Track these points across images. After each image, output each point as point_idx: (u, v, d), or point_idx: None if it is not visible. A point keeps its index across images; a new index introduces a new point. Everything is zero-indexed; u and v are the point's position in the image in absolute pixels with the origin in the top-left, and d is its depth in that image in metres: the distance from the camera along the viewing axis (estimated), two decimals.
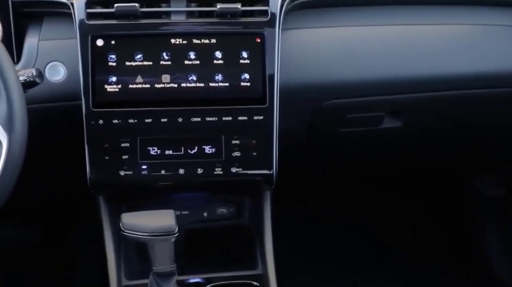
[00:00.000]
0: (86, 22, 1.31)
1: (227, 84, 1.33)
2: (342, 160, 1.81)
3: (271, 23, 1.34)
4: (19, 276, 2.07)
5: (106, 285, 1.42)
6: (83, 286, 2.08)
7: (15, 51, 1.36)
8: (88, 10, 1.31)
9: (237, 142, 1.35)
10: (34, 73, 1.20)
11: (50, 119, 1.34)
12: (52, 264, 2.10)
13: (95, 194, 1.42)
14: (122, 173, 1.33)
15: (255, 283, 1.41)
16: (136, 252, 1.48)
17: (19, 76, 1.12)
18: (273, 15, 1.34)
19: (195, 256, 1.48)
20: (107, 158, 1.33)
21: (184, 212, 1.48)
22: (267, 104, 1.34)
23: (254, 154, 1.35)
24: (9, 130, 1.06)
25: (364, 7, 1.51)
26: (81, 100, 1.32)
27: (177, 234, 1.18)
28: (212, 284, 1.41)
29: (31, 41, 1.37)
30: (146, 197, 1.46)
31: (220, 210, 1.54)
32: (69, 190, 1.79)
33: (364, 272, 2.13)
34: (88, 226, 2.06)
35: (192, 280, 1.44)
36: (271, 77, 1.34)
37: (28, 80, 1.19)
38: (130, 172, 1.33)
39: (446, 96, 1.51)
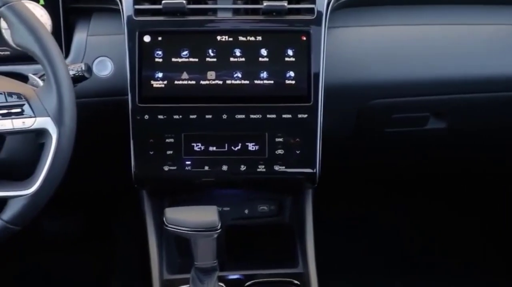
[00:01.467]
0: (134, 18, 1.32)
1: (272, 82, 1.33)
2: (384, 160, 1.80)
3: (317, 21, 1.33)
4: (60, 267, 2.11)
5: (148, 279, 1.44)
6: (123, 279, 2.11)
7: (64, 46, 1.39)
8: (136, 6, 1.32)
9: (281, 140, 1.35)
10: (83, 68, 1.22)
11: (97, 114, 1.36)
12: (93, 257, 2.14)
13: (139, 189, 1.43)
14: (166, 168, 1.34)
15: (295, 282, 1.41)
16: (177, 247, 1.49)
17: (69, 71, 1.14)
18: (320, 13, 1.33)
19: (235, 252, 1.48)
20: (151, 153, 1.34)
21: (225, 209, 1.48)
22: (311, 103, 1.34)
23: (298, 152, 1.35)
24: (59, 123, 1.08)
25: (410, 6, 1.49)
26: (127, 95, 1.33)
27: (219, 230, 1.19)
28: (252, 281, 1.41)
29: (79, 37, 1.39)
30: (189, 192, 1.48)
31: (261, 207, 1.54)
32: (112, 184, 1.81)
33: (402, 274, 2.11)
34: (129, 220, 2.11)
35: (231, 277, 1.45)
36: (316, 75, 1.33)
37: (77, 74, 1.22)
38: (174, 168, 1.34)
39: (495, 98, 1.49)
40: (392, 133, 1.58)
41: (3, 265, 2.05)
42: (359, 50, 1.43)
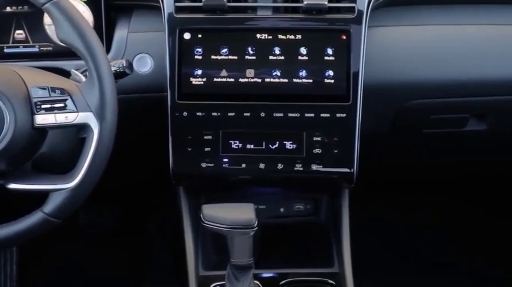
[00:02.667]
0: (175, 15, 1.33)
1: (310, 81, 1.33)
2: (420, 160, 1.78)
3: (358, 20, 1.33)
4: (94, 260, 2.14)
5: (182, 274, 1.45)
6: (156, 274, 2.13)
7: (105, 43, 1.41)
8: (177, 4, 1.33)
9: (319, 139, 1.34)
10: (125, 64, 1.24)
11: (136, 110, 1.37)
12: (127, 251, 2.16)
13: (176, 185, 1.44)
14: (203, 165, 1.35)
15: (330, 281, 1.41)
16: (212, 243, 1.50)
17: (111, 67, 1.15)
18: (360, 12, 1.33)
19: (270, 250, 1.48)
20: (189, 149, 1.35)
21: (261, 207, 1.48)
22: (350, 102, 1.33)
23: (335, 151, 1.34)
24: (101, 118, 1.09)
25: (451, 5, 1.47)
26: (166, 92, 1.35)
27: (256, 228, 1.19)
28: (287, 280, 1.41)
29: (120, 33, 1.40)
30: (225, 189, 1.48)
31: (297, 206, 1.54)
32: (149, 180, 1.83)
33: (436, 277, 2.09)
34: (164, 216, 2.12)
35: (266, 275, 1.45)
36: (356, 74, 1.33)
37: (118, 70, 1.23)
38: (212, 165, 1.35)
39: None
40: (429, 134, 1.56)
41: (39, 256, 2.09)
42: (399, 49, 1.41)
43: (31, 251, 2.07)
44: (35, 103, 1.10)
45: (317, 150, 1.35)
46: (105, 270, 2.13)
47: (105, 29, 1.41)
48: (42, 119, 1.10)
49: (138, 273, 2.14)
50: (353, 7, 1.33)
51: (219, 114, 1.34)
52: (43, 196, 1.13)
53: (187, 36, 1.33)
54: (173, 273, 2.05)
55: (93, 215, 2.10)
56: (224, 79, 1.33)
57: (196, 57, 1.33)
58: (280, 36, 1.33)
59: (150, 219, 2.20)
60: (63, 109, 1.09)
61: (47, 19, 1.40)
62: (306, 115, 1.34)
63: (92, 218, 2.12)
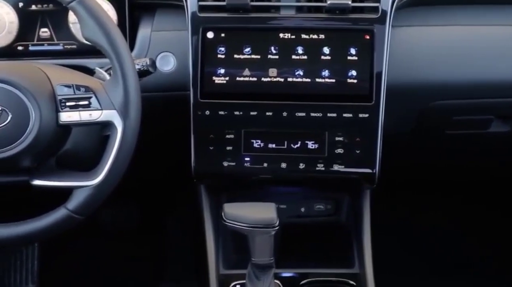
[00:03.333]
0: (198, 14, 1.33)
1: (333, 80, 1.33)
2: (442, 161, 1.77)
3: (382, 20, 1.32)
4: (114, 257, 2.16)
5: (201, 273, 1.45)
6: (175, 271, 2.14)
7: (128, 41, 1.41)
8: (200, 3, 1.34)
9: (341, 139, 1.34)
10: (148, 63, 1.25)
11: (158, 108, 1.38)
12: (147, 248, 2.18)
13: (197, 183, 1.45)
14: (225, 164, 1.36)
15: (351, 282, 1.41)
16: (233, 242, 1.50)
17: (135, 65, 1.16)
18: (384, 12, 1.32)
19: (291, 250, 1.48)
20: (211, 148, 1.35)
21: (282, 206, 1.48)
22: (373, 102, 1.33)
23: (357, 152, 1.34)
24: (124, 116, 1.10)
25: (476, 6, 1.46)
26: (189, 90, 1.35)
27: (277, 227, 1.19)
28: (307, 280, 1.41)
29: (144, 32, 1.41)
30: (246, 188, 1.49)
31: (317, 206, 1.54)
32: (169, 178, 1.84)
33: (458, 278, 2.08)
34: (184, 214, 2.13)
35: (286, 274, 1.45)
36: (379, 75, 1.32)
37: (142, 69, 1.24)
38: (233, 164, 1.35)
39: None
40: (452, 135, 1.55)
41: (60, 252, 2.11)
42: (423, 50, 1.40)
43: (52, 246, 2.10)
44: (60, 100, 1.11)
45: (339, 150, 1.34)
46: (125, 267, 2.15)
47: (128, 28, 1.42)
48: (66, 116, 1.11)
49: (157, 270, 2.16)
50: (377, 7, 1.32)
51: (241, 113, 1.34)
52: (66, 192, 1.14)
53: (210, 35, 1.34)
54: (193, 271, 2.06)
55: (113, 212, 2.11)
56: (246, 78, 1.33)
57: (219, 56, 1.34)
58: (303, 36, 1.33)
59: (169, 216, 2.21)
60: (87, 106, 1.10)
61: (71, 18, 1.41)
62: (329, 115, 1.33)
63: (113, 215, 2.14)
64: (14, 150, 1.08)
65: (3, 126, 1.07)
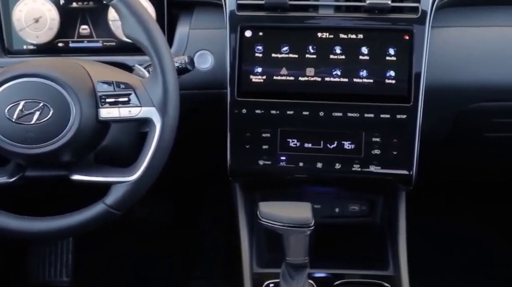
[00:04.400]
0: (236, 13, 1.34)
1: (371, 81, 1.32)
2: (479, 164, 1.74)
3: (421, 21, 1.31)
4: (147, 253, 2.18)
5: (237, 271, 1.45)
6: (206, 268, 2.15)
7: (166, 39, 1.42)
8: (239, 1, 1.34)
9: (378, 140, 1.33)
10: (187, 61, 1.26)
11: (195, 106, 1.39)
12: (179, 245, 2.19)
13: (232, 181, 1.45)
14: (261, 162, 1.36)
15: (385, 284, 1.40)
16: (266, 241, 1.50)
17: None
18: (424, 12, 1.31)
19: (324, 250, 1.48)
20: (247, 147, 1.36)
21: (316, 206, 1.47)
22: (411, 103, 1.31)
23: (394, 153, 1.33)
24: (163, 113, 1.11)
25: None
26: (226, 89, 1.36)
27: (313, 227, 1.18)
28: (341, 281, 1.41)
29: (182, 30, 1.42)
30: (280, 187, 1.48)
31: (352, 207, 1.53)
32: (203, 175, 1.85)
33: (491, 282, 2.04)
34: (216, 211, 2.14)
35: (318, 275, 1.44)
36: (418, 75, 1.31)
37: (181, 66, 1.25)
38: (269, 163, 1.36)
39: None
40: (490, 138, 1.53)
41: (94, 247, 2.13)
42: (463, 51, 1.39)
43: (86, 241, 2.13)
44: (100, 96, 1.12)
45: (376, 151, 1.33)
46: (156, 263, 2.16)
47: (167, 26, 1.43)
48: (106, 112, 1.12)
49: (188, 268, 2.17)
50: (417, 7, 1.31)
51: (277, 112, 1.34)
52: (102, 188, 1.15)
53: (248, 33, 1.34)
54: (224, 268, 2.06)
55: (147, 208, 2.13)
56: (284, 77, 1.33)
57: (257, 54, 1.34)
58: (342, 35, 1.32)
59: (202, 214, 2.22)
60: (127, 103, 1.11)
61: (111, 15, 1.43)
62: (366, 115, 1.33)
63: (146, 212, 2.15)
64: (55, 145, 1.09)
65: (45, 121, 1.08)
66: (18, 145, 1.09)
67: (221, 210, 2.08)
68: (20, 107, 1.08)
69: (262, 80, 1.34)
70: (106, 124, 1.17)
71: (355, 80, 1.32)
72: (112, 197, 1.13)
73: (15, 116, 1.08)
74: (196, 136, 1.49)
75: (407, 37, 1.31)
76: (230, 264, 1.88)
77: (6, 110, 1.08)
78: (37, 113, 1.08)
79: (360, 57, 1.32)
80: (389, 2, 1.30)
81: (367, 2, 1.30)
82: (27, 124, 1.08)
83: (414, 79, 1.31)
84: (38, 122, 1.08)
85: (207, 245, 2.18)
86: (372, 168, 1.34)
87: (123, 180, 1.12)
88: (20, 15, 1.43)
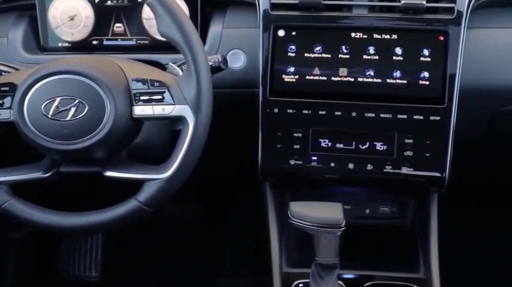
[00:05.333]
0: (270, 12, 1.34)
1: (405, 82, 1.31)
2: None
3: (457, 21, 1.29)
4: (174, 251, 2.19)
5: (266, 270, 1.45)
6: (233, 268, 2.15)
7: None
8: (272, 1, 1.34)
9: (411, 141, 1.32)
10: (220, 59, 1.26)
11: (227, 104, 1.39)
12: (208, 242, 2.20)
13: (263, 181, 1.45)
14: (292, 162, 1.36)
15: None
16: (295, 240, 1.50)
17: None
18: (459, 13, 1.30)
19: (354, 251, 1.47)
20: (279, 146, 1.36)
21: (346, 207, 1.46)
22: (445, 105, 1.30)
23: (427, 155, 1.32)
24: (196, 111, 1.11)
25: None
26: (258, 88, 1.36)
27: (344, 228, 1.18)
28: (371, 282, 1.40)
29: (215, 29, 1.42)
30: (310, 187, 1.48)
31: (382, 208, 1.52)
32: (233, 174, 1.85)
33: None
34: (245, 210, 2.14)
35: (347, 276, 1.43)
36: (452, 77, 1.29)
37: (214, 65, 1.25)
38: (300, 162, 1.35)
39: None
40: None
41: (123, 243, 2.15)
42: (498, 52, 1.37)
43: (115, 237, 2.15)
44: (134, 94, 1.13)
45: (408, 153, 1.32)
46: (184, 261, 2.18)
47: (200, 24, 1.44)
48: (140, 110, 1.13)
49: (216, 266, 2.17)
50: (452, 8, 1.30)
51: (309, 112, 1.34)
52: (135, 185, 1.16)
53: (281, 33, 1.34)
54: (252, 267, 2.07)
55: (176, 205, 2.14)
56: (316, 77, 1.33)
57: (289, 54, 1.34)
58: (375, 36, 1.31)
59: (231, 213, 2.22)
60: (160, 101, 1.12)
61: (145, 13, 1.44)
62: (399, 116, 1.32)
63: (176, 209, 2.17)
64: (89, 142, 1.10)
65: (80, 117, 1.10)
66: (54, 141, 1.11)
67: (250, 208, 2.09)
68: (56, 103, 1.10)
69: (294, 80, 1.34)
70: (140, 121, 1.18)
71: (388, 80, 1.31)
72: (144, 194, 1.14)
73: (51, 112, 1.10)
74: (227, 135, 1.49)
75: (442, 38, 1.29)
76: (258, 263, 1.88)
77: (42, 107, 1.10)
78: (73, 110, 1.10)
79: (394, 57, 1.31)
80: (424, 2, 1.29)
81: (402, 2, 1.29)
82: (62, 120, 1.10)
83: (449, 80, 1.29)
84: (73, 118, 1.10)
85: (236, 243, 2.18)
86: (404, 170, 1.33)
87: (156, 177, 1.13)
88: (55, 13, 1.45)
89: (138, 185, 1.16)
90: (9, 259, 2.04)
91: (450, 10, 1.30)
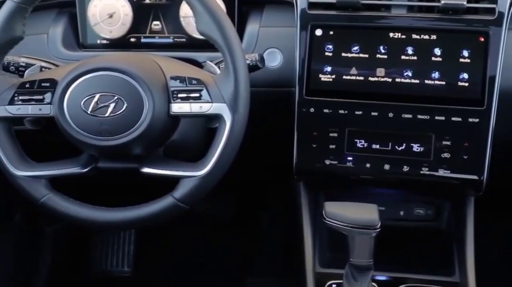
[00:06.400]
0: (307, 11, 1.34)
1: (443, 83, 1.29)
2: None
3: (498, 22, 1.28)
4: (205, 249, 2.20)
5: (298, 270, 1.45)
6: (264, 267, 2.15)
7: None
8: (310, 0, 1.34)
9: (448, 143, 1.30)
10: (257, 58, 1.26)
11: (263, 103, 1.38)
12: (240, 240, 2.20)
13: (297, 180, 1.45)
14: (327, 162, 1.35)
15: None
16: (328, 241, 1.49)
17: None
18: (501, 14, 1.28)
19: (387, 253, 1.46)
20: (314, 146, 1.35)
21: (380, 208, 1.46)
22: (484, 107, 1.28)
23: (465, 157, 1.30)
24: (234, 110, 1.11)
25: None
26: (294, 87, 1.36)
27: (379, 229, 1.17)
28: (404, 285, 1.38)
29: (252, 27, 1.43)
30: (344, 187, 1.47)
31: (417, 210, 1.50)
32: (268, 173, 1.85)
33: None
34: (277, 210, 2.14)
35: (381, 277, 1.42)
36: (492, 79, 1.28)
37: (251, 64, 1.25)
38: (335, 162, 1.35)
39: None
40: None
41: (155, 239, 2.17)
42: None
43: (148, 233, 2.17)
44: (172, 92, 1.13)
45: (446, 155, 1.31)
46: (215, 258, 2.18)
47: (237, 23, 1.44)
48: (178, 107, 1.13)
49: (246, 264, 2.18)
50: (493, 8, 1.28)
51: (346, 112, 1.33)
52: (173, 182, 1.17)
53: (318, 32, 1.33)
54: (282, 266, 2.07)
55: (209, 203, 2.15)
56: (353, 77, 1.32)
57: (326, 53, 1.33)
58: (414, 36, 1.30)
59: (262, 212, 2.22)
60: (198, 99, 1.12)
61: (182, 11, 1.45)
62: (437, 118, 1.30)
63: (208, 206, 2.18)
64: (127, 138, 1.11)
65: (119, 114, 1.11)
66: (92, 136, 1.12)
67: (282, 208, 2.08)
68: (95, 99, 1.11)
69: (331, 79, 1.33)
70: (177, 119, 1.19)
71: (426, 81, 1.30)
72: (180, 191, 1.14)
73: (90, 108, 1.11)
74: (262, 134, 1.49)
75: (482, 39, 1.28)
76: (289, 262, 1.88)
77: (82, 103, 1.11)
78: (112, 106, 1.11)
79: (433, 58, 1.29)
80: (465, 2, 1.28)
81: (442, 2, 1.28)
82: (101, 116, 1.11)
83: (488, 82, 1.27)
84: (112, 115, 1.11)
85: (267, 242, 2.18)
86: (441, 172, 1.31)
87: (192, 175, 1.13)
88: (95, 10, 1.47)
89: (171, 182, 1.16)
90: (44, 253, 2.07)
91: (491, 11, 1.28)
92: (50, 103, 1.14)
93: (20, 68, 1.27)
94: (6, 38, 1.16)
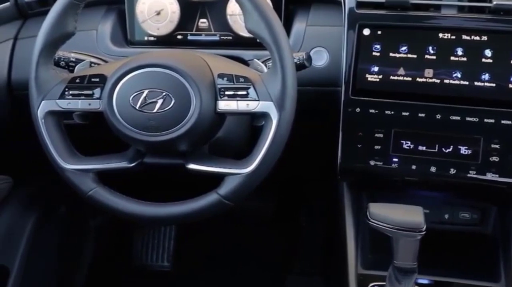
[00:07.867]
0: (355, 10, 1.33)
1: (493, 85, 1.27)
2: None
3: None
4: (245, 245, 2.20)
5: (341, 271, 1.44)
6: (303, 265, 2.15)
7: None
8: None
9: (497, 146, 1.28)
10: (305, 57, 1.26)
11: (308, 102, 1.38)
12: (277, 240, 2.20)
13: (341, 180, 1.44)
14: (372, 163, 1.34)
15: None
16: (371, 242, 1.48)
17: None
18: None
19: (430, 257, 1.43)
20: (359, 146, 1.34)
21: (425, 210, 1.44)
22: None
23: None
24: (281, 108, 1.11)
25: None
26: (340, 86, 1.35)
27: (424, 232, 1.16)
28: None
29: (299, 26, 1.42)
30: (388, 189, 1.46)
31: (462, 214, 1.47)
32: (311, 172, 1.84)
33: None
34: (318, 209, 2.13)
35: (424, 281, 1.40)
36: None
37: (298, 63, 1.25)
38: (380, 163, 1.34)
39: None
40: None
41: (195, 234, 2.19)
42: None
43: (188, 229, 2.18)
44: (219, 89, 1.14)
45: (494, 158, 1.28)
46: (255, 255, 2.19)
47: (283, 21, 1.44)
48: (224, 105, 1.14)
49: (286, 262, 2.18)
50: None
51: (392, 112, 1.32)
52: (218, 178, 1.17)
53: (366, 32, 1.32)
54: (321, 265, 2.06)
55: (250, 200, 2.16)
56: (400, 78, 1.31)
57: (374, 53, 1.32)
58: (464, 37, 1.28)
59: (303, 210, 2.22)
60: (245, 96, 1.13)
61: (229, 9, 1.46)
62: (486, 120, 1.28)
63: (249, 203, 2.18)
64: (174, 134, 1.12)
65: (166, 110, 1.11)
66: (140, 132, 1.13)
67: (323, 208, 2.08)
68: (144, 95, 1.12)
69: (378, 80, 1.32)
70: (223, 116, 1.19)
71: (476, 83, 1.27)
72: (225, 188, 1.14)
73: (138, 104, 1.12)
74: (306, 133, 1.48)
75: None
76: (329, 262, 1.87)
77: (130, 98, 1.12)
78: (160, 102, 1.12)
79: (483, 59, 1.27)
80: None
81: (494, 3, 1.26)
82: (149, 112, 1.12)
83: None
84: (160, 111, 1.12)
85: (306, 241, 2.18)
86: (489, 176, 1.29)
87: (238, 172, 1.14)
88: (143, 7, 1.48)
89: (213, 179, 1.17)
90: (87, 246, 2.11)
91: None
92: (99, 98, 1.15)
93: (70, 63, 1.29)
94: (58, 33, 1.18)
